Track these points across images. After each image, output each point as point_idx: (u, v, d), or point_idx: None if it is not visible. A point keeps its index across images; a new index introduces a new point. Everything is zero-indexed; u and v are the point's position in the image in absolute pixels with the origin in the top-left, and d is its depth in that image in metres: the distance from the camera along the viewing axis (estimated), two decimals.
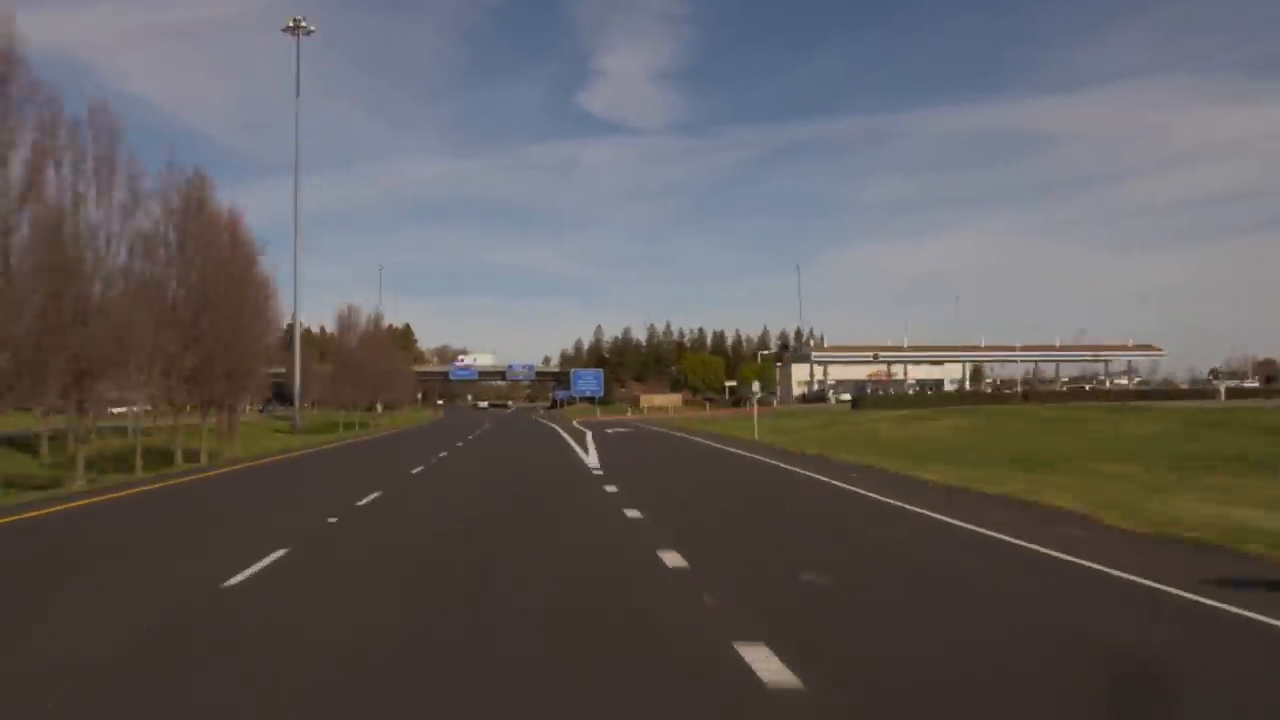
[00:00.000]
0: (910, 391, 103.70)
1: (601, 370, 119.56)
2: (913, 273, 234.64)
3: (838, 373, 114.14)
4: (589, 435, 48.13)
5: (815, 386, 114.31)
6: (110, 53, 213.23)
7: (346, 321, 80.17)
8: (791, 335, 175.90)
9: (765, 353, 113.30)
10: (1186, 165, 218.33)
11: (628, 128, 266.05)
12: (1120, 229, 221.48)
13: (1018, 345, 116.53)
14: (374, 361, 72.97)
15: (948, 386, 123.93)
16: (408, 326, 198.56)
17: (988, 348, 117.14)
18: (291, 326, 70.55)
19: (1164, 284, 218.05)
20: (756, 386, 47.44)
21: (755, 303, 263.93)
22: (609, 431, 53.71)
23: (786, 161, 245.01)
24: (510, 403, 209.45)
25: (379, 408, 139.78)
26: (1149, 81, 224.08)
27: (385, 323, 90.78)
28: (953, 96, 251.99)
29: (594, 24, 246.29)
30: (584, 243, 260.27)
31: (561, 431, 55.91)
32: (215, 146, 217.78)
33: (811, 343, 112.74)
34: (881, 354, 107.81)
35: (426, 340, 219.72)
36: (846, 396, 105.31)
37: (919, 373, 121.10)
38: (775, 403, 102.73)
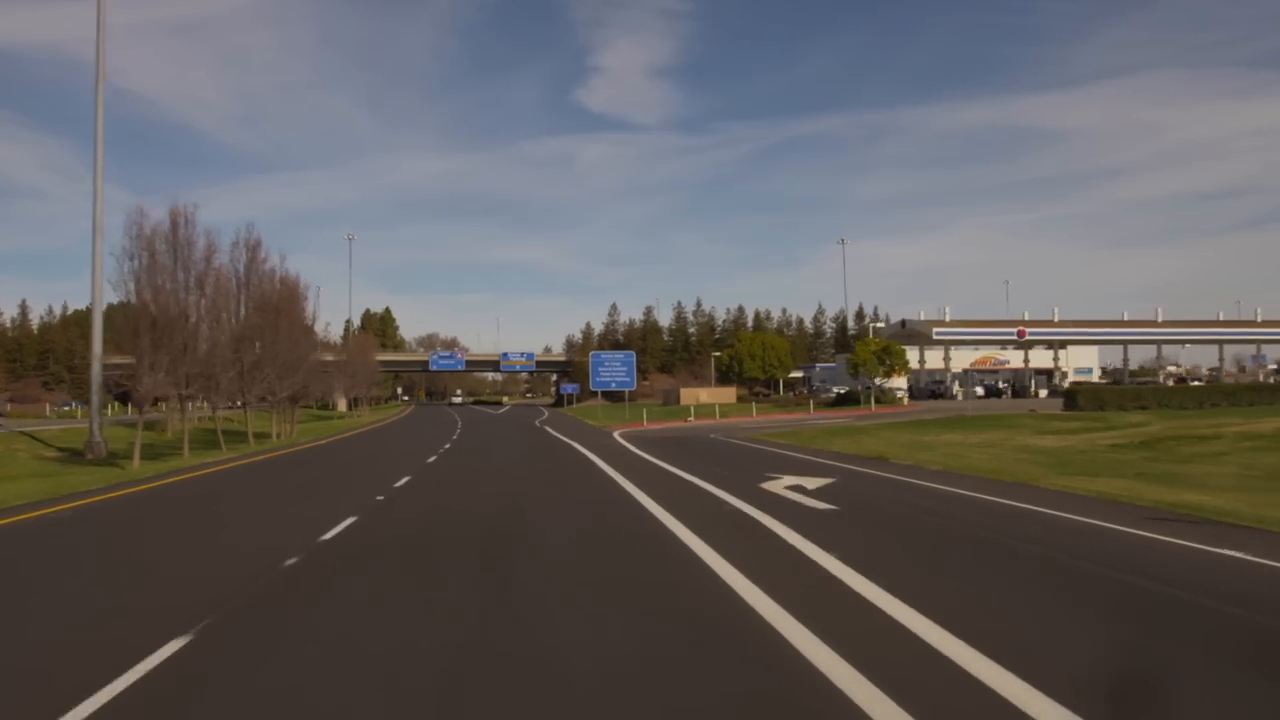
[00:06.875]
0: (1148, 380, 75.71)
1: (633, 353, 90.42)
2: (912, 269, 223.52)
3: (937, 358, 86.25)
4: None
5: (922, 376, 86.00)
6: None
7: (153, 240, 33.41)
8: (850, 316, 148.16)
9: (879, 325, 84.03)
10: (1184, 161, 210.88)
11: (626, 124, 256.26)
12: (1118, 225, 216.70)
13: (1189, 321, 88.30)
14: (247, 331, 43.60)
15: (1074, 376, 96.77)
16: (388, 311, 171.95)
17: (1135, 324, 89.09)
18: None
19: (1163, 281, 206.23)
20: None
21: (756, 298, 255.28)
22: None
23: (785, 158, 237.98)
24: (505, 399, 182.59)
25: (341, 405, 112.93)
26: (1148, 77, 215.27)
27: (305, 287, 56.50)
28: (951, 93, 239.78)
29: (592, 20, 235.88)
30: (582, 239, 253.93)
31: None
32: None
33: (922, 314, 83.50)
34: (1029, 330, 79.27)
35: (414, 330, 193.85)
36: (979, 391, 77.22)
37: (1039, 359, 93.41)
38: (906, 399, 74.52)
